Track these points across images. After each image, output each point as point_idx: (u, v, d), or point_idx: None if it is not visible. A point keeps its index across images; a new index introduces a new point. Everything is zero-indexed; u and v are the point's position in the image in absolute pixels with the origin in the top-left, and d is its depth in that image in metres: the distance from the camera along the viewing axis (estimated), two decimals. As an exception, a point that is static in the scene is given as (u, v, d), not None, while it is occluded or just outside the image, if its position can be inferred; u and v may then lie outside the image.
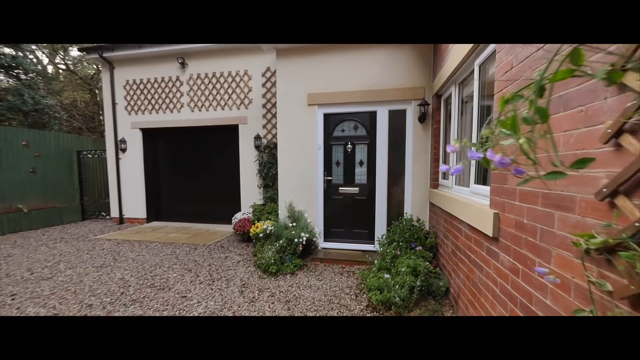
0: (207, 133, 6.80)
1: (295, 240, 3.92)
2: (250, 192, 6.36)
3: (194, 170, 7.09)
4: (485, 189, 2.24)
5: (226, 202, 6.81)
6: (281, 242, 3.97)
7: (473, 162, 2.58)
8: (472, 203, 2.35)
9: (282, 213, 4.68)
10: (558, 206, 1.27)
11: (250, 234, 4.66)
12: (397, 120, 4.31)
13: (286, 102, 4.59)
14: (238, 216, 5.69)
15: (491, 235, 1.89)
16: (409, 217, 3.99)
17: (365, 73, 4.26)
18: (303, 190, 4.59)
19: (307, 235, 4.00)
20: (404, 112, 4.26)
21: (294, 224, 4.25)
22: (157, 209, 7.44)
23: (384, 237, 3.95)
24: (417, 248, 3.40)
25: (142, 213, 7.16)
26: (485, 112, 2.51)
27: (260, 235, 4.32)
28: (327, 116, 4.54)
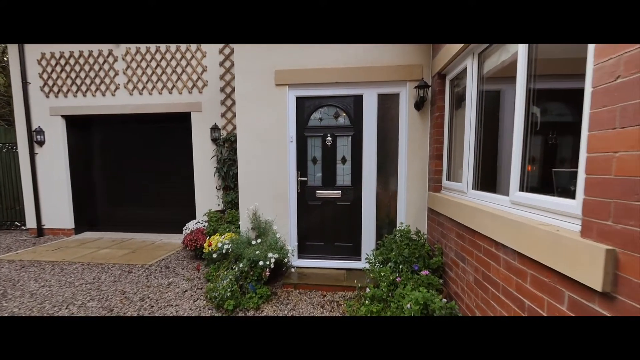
0: (152, 122, 5.54)
1: (261, 263, 2.95)
2: (207, 195, 5.23)
3: (138, 169, 5.78)
4: (560, 203, 1.43)
5: (178, 207, 5.62)
6: (241, 265, 2.97)
7: (516, 158, 1.78)
8: (527, 222, 1.54)
9: (244, 224, 3.65)
10: None
11: (204, 253, 3.60)
12: (388, 107, 3.47)
13: (247, 80, 3.56)
14: (190, 226, 4.56)
15: (600, 290, 1.07)
16: (404, 227, 3.17)
17: (349, 46, 3.36)
18: (271, 194, 3.60)
19: (277, 255, 3.04)
20: (396, 96, 3.43)
21: (259, 240, 3.26)
22: (90, 216, 6.02)
23: (375, 254, 3.10)
24: (423, 272, 2.59)
25: (68, 222, 5.71)
26: (535, 94, 1.72)
27: (214, 255, 3.28)
28: (300, 100, 3.58)
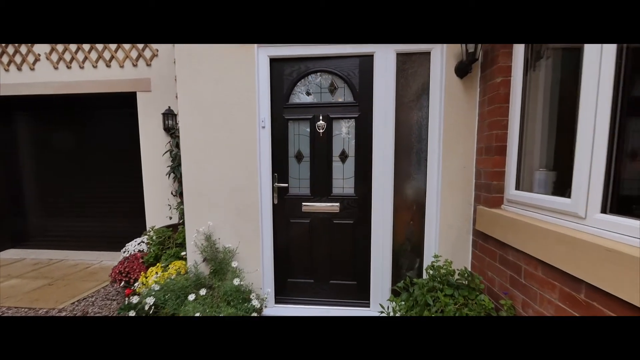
0: (89, 108, 4.21)
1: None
2: (160, 202, 3.95)
3: (78, 169, 4.45)
4: None
5: (128, 218, 4.33)
6: (171, 337, 1.72)
7: None
8: None
9: (192, 255, 2.40)
10: None
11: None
12: (413, 72, 2.25)
13: (194, 32, 2.28)
14: (130, 247, 3.31)
15: None
16: (442, 264, 1.97)
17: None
18: (233, 208, 2.36)
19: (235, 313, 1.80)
20: (425, 56, 2.21)
21: (203, 291, 2.00)
22: (16, 230, 4.67)
23: (397, 305, 1.90)
24: None
25: (-19, 238, 4.37)
26: None
27: (131, 312, 2.01)
28: (277, 64, 2.33)
